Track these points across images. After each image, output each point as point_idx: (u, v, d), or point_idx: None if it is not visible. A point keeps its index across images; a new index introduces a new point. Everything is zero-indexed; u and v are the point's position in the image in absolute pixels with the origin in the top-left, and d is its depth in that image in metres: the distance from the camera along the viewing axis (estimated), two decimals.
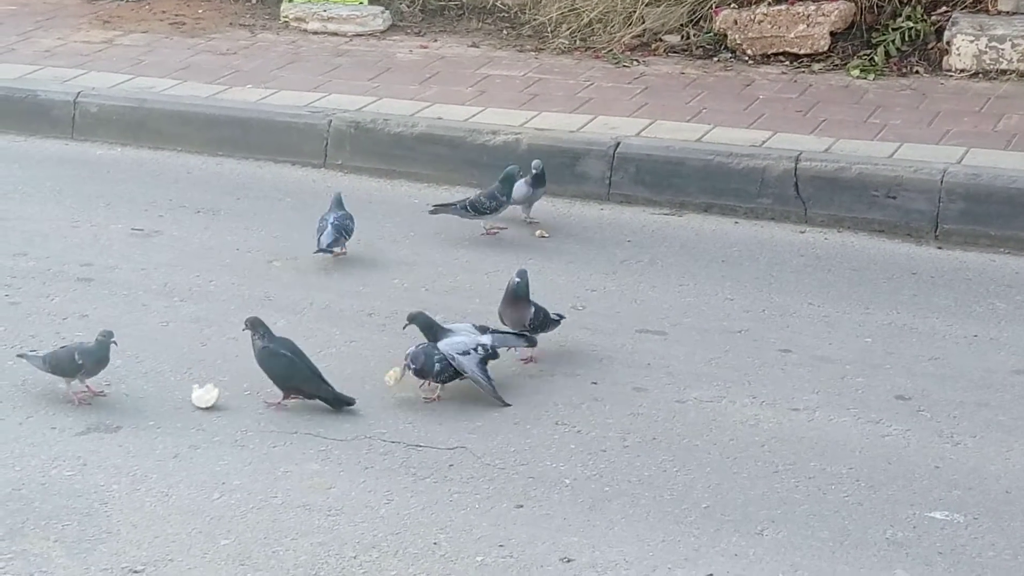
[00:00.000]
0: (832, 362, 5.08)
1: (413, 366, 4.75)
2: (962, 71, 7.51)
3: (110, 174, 6.88)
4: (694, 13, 8.01)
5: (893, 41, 7.67)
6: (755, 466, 4.41)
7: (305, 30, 8.41)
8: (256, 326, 4.76)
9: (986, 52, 7.49)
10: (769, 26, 7.78)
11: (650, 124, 6.85)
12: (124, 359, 5.02)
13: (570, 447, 4.52)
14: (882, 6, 7.79)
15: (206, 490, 4.25)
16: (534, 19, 8.27)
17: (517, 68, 7.74)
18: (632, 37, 7.99)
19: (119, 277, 5.72)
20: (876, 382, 4.94)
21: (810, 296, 5.62)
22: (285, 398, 4.71)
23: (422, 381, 4.80)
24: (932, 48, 7.67)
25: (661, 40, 8.01)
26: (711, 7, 7.94)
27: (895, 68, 7.59)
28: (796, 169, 6.39)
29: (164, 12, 8.83)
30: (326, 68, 7.74)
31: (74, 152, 7.17)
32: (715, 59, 7.83)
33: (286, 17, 8.52)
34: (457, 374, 4.78)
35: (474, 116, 6.99)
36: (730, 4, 7.90)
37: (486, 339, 4.87)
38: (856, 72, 7.55)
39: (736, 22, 7.84)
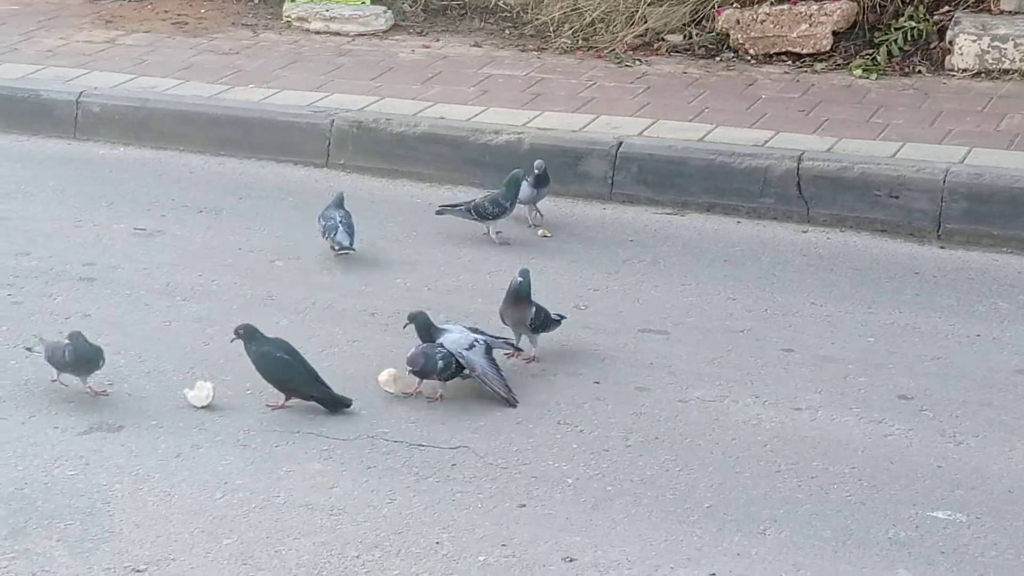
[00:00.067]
0: (835, 362, 5.08)
1: (413, 368, 4.75)
2: (964, 71, 7.51)
3: (112, 174, 6.88)
4: (696, 13, 8.00)
5: (895, 41, 7.67)
6: (757, 466, 4.41)
7: (307, 30, 8.42)
8: (247, 334, 4.74)
9: (988, 52, 7.49)
10: (771, 26, 7.78)
11: (652, 124, 6.85)
12: (127, 358, 5.02)
13: (572, 447, 4.52)
14: (884, 6, 7.79)
15: (208, 489, 4.26)
16: (536, 19, 8.27)
17: (519, 68, 7.74)
18: (634, 37, 7.99)
19: (121, 277, 5.72)
20: (879, 382, 4.94)
21: (812, 296, 5.62)
22: (287, 399, 4.71)
23: (419, 381, 4.79)
24: (934, 48, 7.67)
25: (663, 40, 8.00)
26: (713, 7, 7.94)
27: (897, 68, 7.59)
28: (798, 169, 6.39)
29: (166, 12, 8.83)
30: (328, 68, 7.74)
31: (76, 152, 7.17)
32: (717, 59, 7.82)
33: (288, 17, 8.53)
34: (459, 370, 4.78)
35: (476, 116, 6.99)
36: (732, 4, 7.89)
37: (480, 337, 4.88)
38: (858, 72, 7.55)
39: (738, 22, 7.84)
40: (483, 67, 7.75)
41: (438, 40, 8.24)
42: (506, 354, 5.02)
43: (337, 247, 5.84)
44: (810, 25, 7.75)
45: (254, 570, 3.89)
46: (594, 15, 8.08)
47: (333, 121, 6.99)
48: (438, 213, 6.14)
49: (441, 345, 4.79)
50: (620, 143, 6.64)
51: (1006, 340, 5.26)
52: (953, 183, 6.20)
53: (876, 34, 7.75)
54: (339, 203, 5.93)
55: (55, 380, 4.75)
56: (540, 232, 6.22)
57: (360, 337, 5.20)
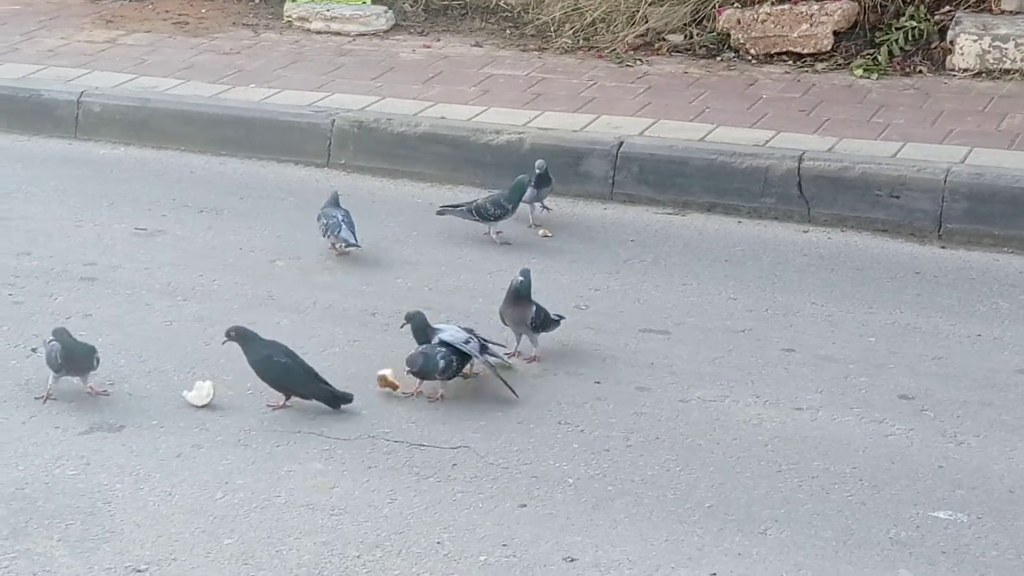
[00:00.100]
0: (835, 361, 5.08)
1: (411, 369, 4.75)
2: (965, 70, 7.50)
3: (113, 174, 6.88)
4: (697, 13, 8.01)
5: (896, 40, 7.67)
6: (758, 465, 4.41)
7: (308, 30, 8.42)
8: (239, 336, 4.73)
9: (989, 51, 7.49)
10: (772, 25, 7.78)
11: (653, 124, 6.85)
12: (128, 358, 5.03)
13: (573, 446, 4.52)
14: (885, 5, 7.79)
15: (209, 489, 4.26)
16: (537, 18, 8.27)
17: (520, 68, 7.74)
18: (635, 37, 7.99)
19: (122, 276, 5.72)
20: (879, 381, 4.94)
21: (813, 295, 5.62)
22: (287, 398, 4.71)
23: (419, 381, 4.79)
24: (935, 47, 7.67)
25: (664, 40, 8.00)
26: (714, 7, 7.94)
27: (898, 68, 7.59)
28: (799, 168, 6.39)
29: (167, 12, 8.83)
30: (329, 68, 7.74)
31: (77, 152, 7.17)
32: (718, 59, 7.82)
33: (289, 17, 8.53)
34: (460, 369, 4.77)
35: (477, 115, 6.99)
36: (733, 4, 7.90)
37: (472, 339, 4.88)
38: (859, 71, 7.55)
39: (739, 22, 7.84)
40: (484, 67, 7.75)
41: (439, 40, 8.25)
42: (506, 353, 5.02)
43: (343, 244, 5.84)
44: (811, 25, 7.75)
45: (255, 570, 3.89)
46: (595, 15, 8.08)
47: (334, 121, 6.99)
48: (439, 213, 6.14)
49: (441, 344, 4.79)
50: (621, 143, 6.64)
51: (1007, 340, 5.26)
52: (954, 183, 6.20)
53: (877, 34, 7.75)
54: (335, 202, 5.94)
55: (45, 397, 4.72)
56: (541, 232, 6.22)
57: (361, 337, 5.20)
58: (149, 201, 6.51)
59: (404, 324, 4.92)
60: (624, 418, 4.69)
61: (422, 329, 4.88)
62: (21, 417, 4.65)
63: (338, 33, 8.34)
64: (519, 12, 8.43)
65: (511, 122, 6.88)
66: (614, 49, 7.92)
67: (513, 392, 4.78)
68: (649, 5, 8.00)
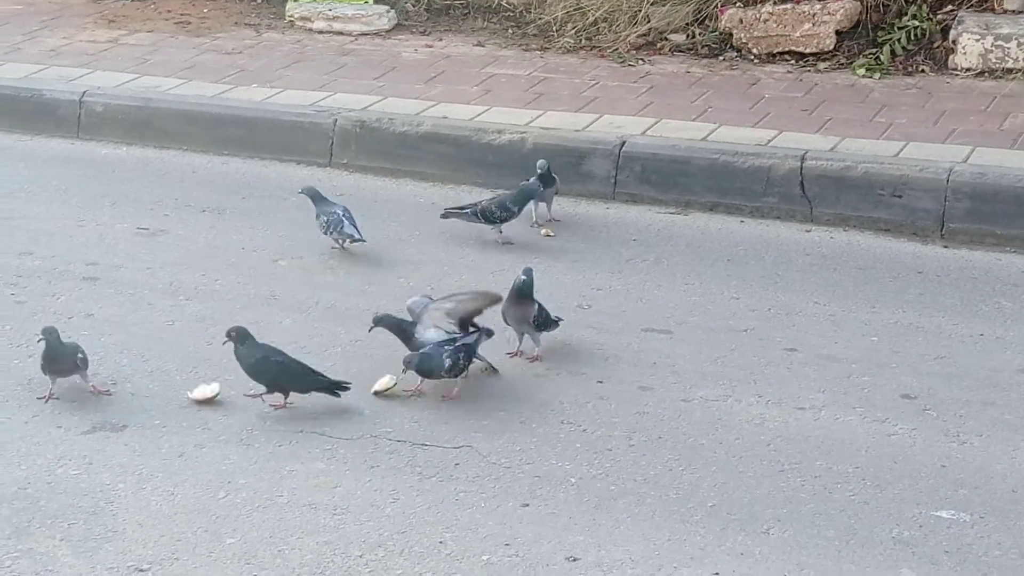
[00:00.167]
0: (838, 361, 5.08)
1: (410, 367, 4.74)
2: (968, 70, 7.50)
3: (115, 173, 6.88)
4: (699, 12, 8.00)
5: (899, 40, 7.66)
6: (761, 465, 4.41)
7: (310, 29, 8.42)
8: (240, 336, 4.72)
9: (992, 51, 7.48)
10: (775, 25, 7.78)
11: (655, 123, 6.85)
12: (130, 358, 5.03)
13: (576, 446, 4.52)
14: (888, 5, 7.79)
15: (212, 489, 4.26)
16: (539, 18, 8.27)
17: (522, 67, 7.74)
18: (637, 36, 7.99)
19: (124, 276, 5.72)
20: (882, 381, 4.94)
21: (816, 295, 5.62)
22: (287, 397, 4.70)
23: (420, 380, 4.79)
24: (938, 47, 7.66)
25: (666, 39, 8.00)
26: (717, 6, 7.94)
27: (901, 67, 7.58)
28: (802, 168, 6.38)
29: (169, 11, 8.83)
30: (331, 67, 7.74)
31: (79, 151, 7.17)
32: (720, 58, 7.82)
33: (291, 16, 8.53)
34: (468, 365, 4.77)
35: (479, 115, 6.99)
36: (736, 3, 7.89)
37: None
38: (862, 71, 7.55)
39: (741, 21, 7.84)
40: (486, 66, 7.75)
41: (441, 40, 8.24)
42: (508, 353, 5.01)
43: (350, 240, 5.84)
44: (813, 24, 7.74)
45: (257, 569, 3.89)
46: (597, 14, 8.08)
47: (336, 121, 6.99)
48: (444, 216, 6.13)
49: (448, 342, 4.78)
50: (623, 142, 6.64)
51: (1009, 339, 5.26)
52: (956, 182, 6.20)
53: (879, 33, 7.75)
54: (323, 197, 5.94)
55: (48, 397, 4.72)
56: (543, 232, 6.22)
57: (363, 337, 5.19)
58: (151, 201, 6.51)
59: (372, 328, 4.91)
60: (627, 418, 4.69)
61: (398, 327, 4.88)
62: (23, 417, 4.66)
63: (340, 33, 8.34)
64: (521, 12, 8.42)
65: (513, 122, 6.88)
66: (616, 49, 7.92)
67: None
68: (651, 5, 8.00)
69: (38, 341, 4.70)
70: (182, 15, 8.77)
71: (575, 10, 8.15)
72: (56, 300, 5.49)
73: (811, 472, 4.38)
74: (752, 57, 7.80)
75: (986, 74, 7.47)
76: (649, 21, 8.01)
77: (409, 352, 4.81)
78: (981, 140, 6.57)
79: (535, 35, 8.22)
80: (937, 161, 6.32)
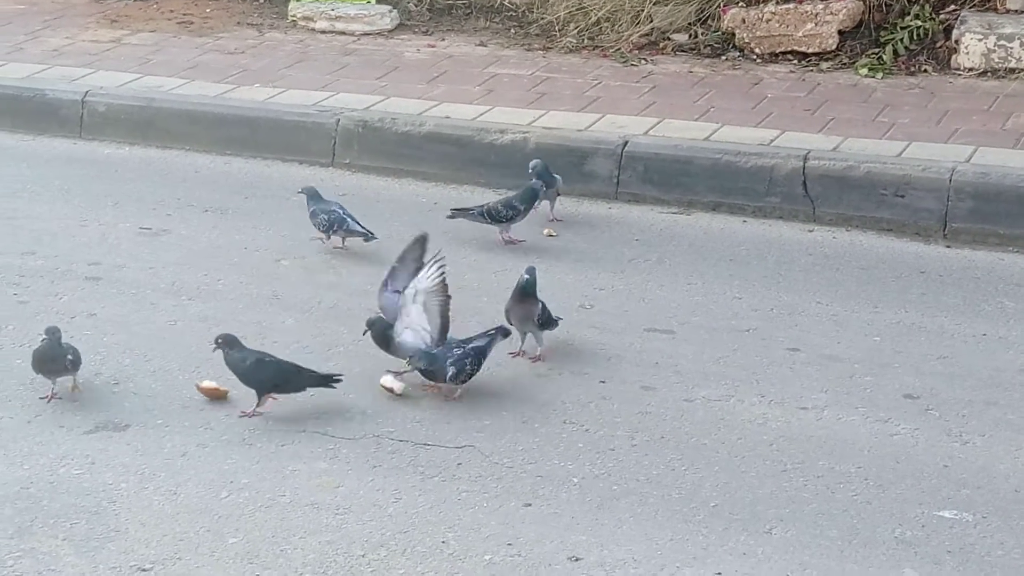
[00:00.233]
0: (840, 361, 5.07)
1: (414, 365, 4.74)
2: (970, 70, 7.50)
3: (118, 173, 6.89)
4: (702, 12, 8.00)
5: (901, 40, 7.66)
6: (763, 465, 4.41)
7: (313, 29, 8.42)
8: (227, 342, 4.70)
9: (995, 51, 7.48)
10: (777, 25, 7.78)
11: (658, 123, 6.85)
12: (132, 358, 5.03)
13: (578, 446, 4.52)
14: (890, 5, 7.79)
15: (214, 488, 4.26)
16: (542, 18, 8.27)
17: (525, 67, 7.74)
18: (640, 36, 7.99)
19: (127, 276, 5.72)
20: (885, 381, 4.94)
21: (818, 295, 5.62)
22: (265, 398, 4.66)
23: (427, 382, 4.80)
24: (940, 47, 7.66)
25: (669, 39, 8.00)
26: (719, 6, 7.94)
27: (903, 67, 7.58)
28: (804, 168, 6.38)
29: (172, 11, 8.84)
30: (334, 67, 7.75)
31: (82, 151, 7.17)
32: (723, 58, 7.82)
33: (294, 16, 8.53)
34: (475, 371, 4.75)
35: (482, 115, 6.99)
36: (738, 3, 7.89)
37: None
38: (864, 71, 7.55)
39: (744, 21, 7.84)
40: (488, 66, 7.75)
41: (443, 39, 8.25)
42: (510, 353, 5.01)
43: (364, 239, 5.85)
44: (816, 24, 7.74)
45: (260, 569, 3.89)
46: (599, 14, 8.08)
47: (339, 120, 7.00)
48: (450, 217, 6.11)
49: (457, 346, 4.77)
50: (626, 142, 6.64)
51: (1012, 339, 5.26)
52: (959, 182, 6.20)
53: (882, 33, 7.75)
54: (319, 195, 5.94)
55: (50, 397, 4.72)
56: (545, 231, 6.21)
57: (366, 336, 5.19)
58: (154, 201, 6.51)
59: (366, 331, 4.89)
60: (629, 417, 4.69)
61: (382, 335, 4.86)
62: (26, 416, 4.66)
63: (343, 32, 8.35)
64: (523, 11, 8.43)
65: (516, 121, 6.88)
66: (619, 48, 7.92)
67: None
68: (654, 4, 8.00)
69: (41, 341, 4.70)
70: (185, 15, 8.77)
71: (577, 10, 8.15)
72: (59, 300, 5.49)
73: (814, 472, 4.37)
74: (754, 57, 7.80)
75: (989, 74, 7.46)
76: (651, 21, 8.01)
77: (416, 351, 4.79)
78: (984, 140, 6.56)
79: (537, 35, 8.22)
80: (940, 161, 6.32)
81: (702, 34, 7.97)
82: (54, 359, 4.68)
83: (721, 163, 6.49)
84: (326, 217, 5.89)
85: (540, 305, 5.04)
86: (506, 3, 8.51)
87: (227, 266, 5.83)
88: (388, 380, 4.82)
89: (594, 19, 8.09)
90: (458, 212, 6.12)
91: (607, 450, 4.49)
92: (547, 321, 5.07)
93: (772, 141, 6.61)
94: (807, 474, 4.36)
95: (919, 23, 7.69)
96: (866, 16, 7.80)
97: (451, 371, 4.73)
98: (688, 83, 7.46)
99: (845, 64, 7.66)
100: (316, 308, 5.46)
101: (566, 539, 4.03)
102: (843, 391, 4.87)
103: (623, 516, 4.14)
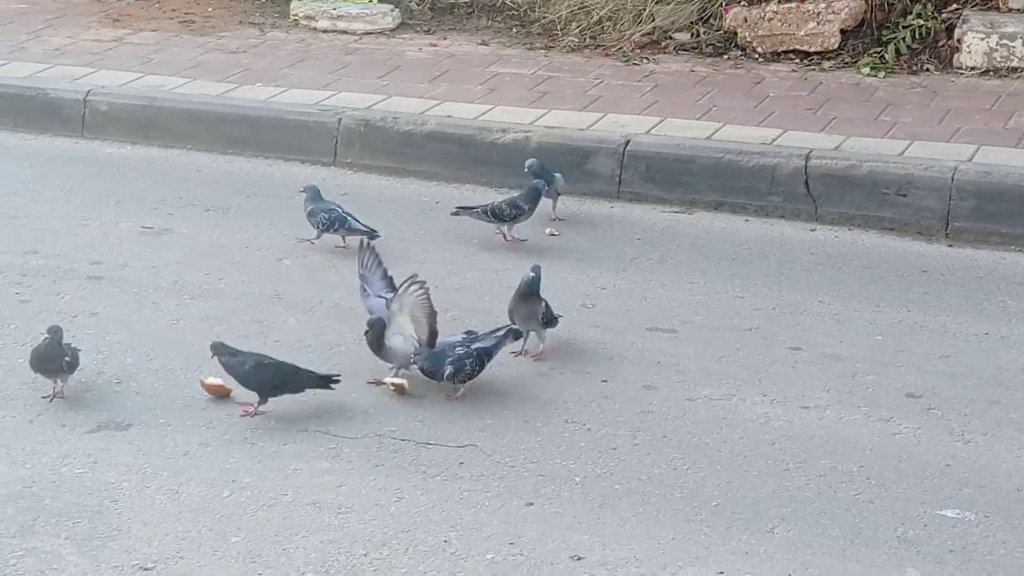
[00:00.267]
0: (842, 360, 5.07)
1: (416, 363, 4.74)
2: (973, 69, 7.50)
3: (120, 172, 6.89)
4: (704, 11, 8.00)
5: (903, 39, 7.66)
6: (765, 464, 4.41)
7: (315, 28, 8.42)
8: (218, 349, 4.68)
9: (997, 50, 7.48)
10: (779, 24, 7.78)
11: (660, 122, 6.85)
12: (134, 357, 5.03)
13: (580, 445, 4.52)
14: (892, 3, 7.79)
15: (216, 488, 4.26)
16: (544, 17, 8.27)
17: (527, 66, 7.74)
18: (642, 35, 7.99)
19: (129, 275, 5.73)
20: (887, 380, 4.93)
21: (820, 294, 5.62)
22: (262, 403, 4.65)
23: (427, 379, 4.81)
24: (943, 46, 7.66)
25: (671, 38, 8.00)
26: (721, 5, 7.93)
27: (905, 66, 7.58)
28: (806, 167, 6.38)
29: (174, 10, 8.84)
30: (336, 66, 7.75)
31: (84, 150, 7.17)
32: (725, 57, 7.82)
33: (296, 15, 8.53)
34: (474, 373, 4.75)
35: (484, 114, 6.99)
36: (740, 2, 7.89)
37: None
38: (866, 70, 7.55)
39: (746, 20, 7.83)
40: (490, 65, 7.75)
41: (445, 38, 8.24)
42: (512, 352, 5.01)
43: (368, 238, 5.83)
44: (818, 23, 7.74)
45: (262, 568, 3.89)
46: (601, 13, 8.08)
47: (340, 119, 7.00)
48: (454, 214, 6.10)
49: (460, 345, 4.77)
50: (628, 141, 6.64)
51: (1014, 338, 5.26)
52: (961, 181, 6.20)
53: (884, 32, 7.75)
54: (319, 195, 5.94)
55: (52, 396, 4.72)
56: (547, 230, 6.21)
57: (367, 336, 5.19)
58: (156, 200, 6.51)
59: (367, 331, 4.86)
60: (631, 417, 4.69)
61: (376, 341, 4.85)
62: (28, 415, 4.66)
63: (344, 32, 8.35)
64: (525, 10, 8.42)
65: (518, 121, 6.88)
66: (621, 47, 7.92)
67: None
68: (656, 3, 8.00)
69: (43, 339, 4.69)
70: (186, 14, 8.77)
71: (579, 9, 8.15)
72: (61, 299, 5.49)
73: (816, 471, 4.37)
74: (756, 56, 7.80)
75: (991, 73, 7.46)
76: (653, 20, 8.01)
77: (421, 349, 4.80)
78: (986, 139, 6.56)
79: (539, 34, 8.21)
80: (942, 160, 6.32)
81: (704, 33, 7.97)
82: (51, 359, 4.68)
83: (723, 162, 6.49)
84: (326, 216, 5.89)
85: (544, 304, 5.04)
86: (508, 2, 8.51)
87: (229, 265, 5.83)
88: (391, 378, 4.81)
89: (596, 18, 8.09)
90: (462, 210, 6.11)
91: (609, 449, 4.49)
92: (549, 319, 5.07)
93: (774, 140, 6.61)
94: (809, 473, 4.36)
95: (921, 22, 7.69)
96: (868, 15, 7.79)
97: (448, 370, 4.72)
98: (690, 82, 7.46)
99: (847, 63, 7.66)
100: (318, 307, 5.46)
101: (568, 538, 4.03)
102: (845, 390, 4.86)
103: (625, 515, 4.14)
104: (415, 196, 6.63)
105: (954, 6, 7.77)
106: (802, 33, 7.75)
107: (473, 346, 4.79)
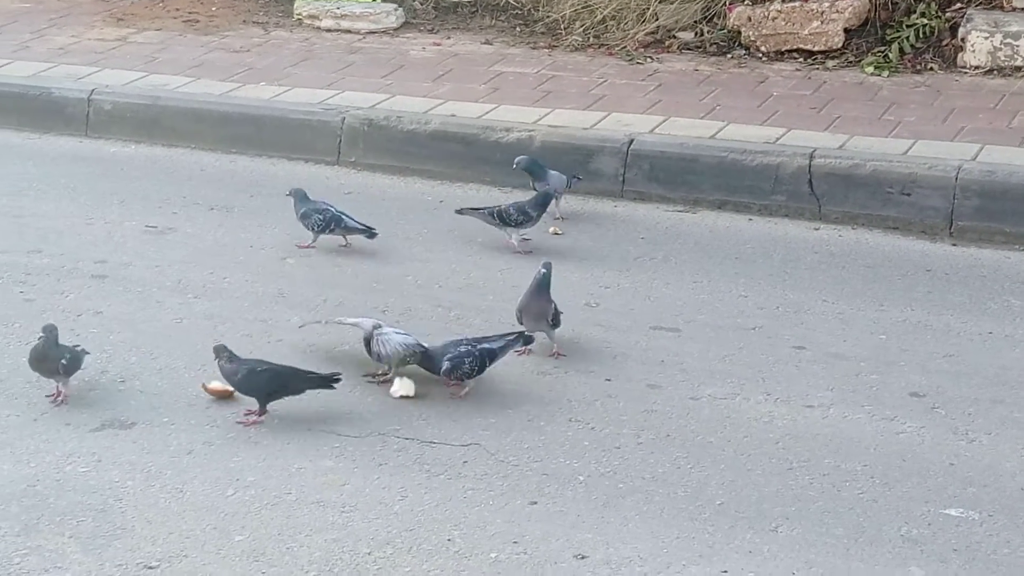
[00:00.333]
0: (846, 359, 5.07)
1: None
2: (976, 68, 7.49)
3: (124, 171, 6.89)
4: (708, 10, 8.01)
5: (907, 38, 7.66)
6: (769, 463, 4.41)
7: (318, 27, 8.42)
8: (219, 352, 4.67)
9: (1001, 49, 7.48)
10: (783, 23, 7.78)
11: (664, 121, 6.85)
12: (138, 355, 5.03)
13: (584, 444, 4.52)
14: (896, 3, 7.79)
15: (220, 486, 4.26)
16: (547, 16, 8.27)
17: (530, 65, 7.74)
18: (646, 34, 7.99)
19: (133, 274, 5.73)
20: (890, 379, 4.93)
21: (824, 293, 5.61)
22: (262, 412, 4.62)
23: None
24: (946, 45, 7.66)
25: (675, 37, 8.00)
26: (725, 4, 7.93)
27: (909, 65, 7.58)
28: (810, 166, 6.38)
29: (178, 10, 8.84)
30: (339, 65, 7.75)
31: (88, 149, 7.18)
32: (729, 56, 7.82)
33: (299, 14, 8.53)
34: (474, 372, 4.75)
35: (487, 113, 6.99)
36: (744, 1, 7.89)
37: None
38: (870, 69, 7.54)
39: (750, 19, 7.83)
40: (494, 64, 7.75)
41: (449, 38, 8.25)
42: (515, 351, 5.00)
43: (366, 235, 5.84)
44: (822, 22, 7.74)
45: (266, 567, 3.90)
46: (605, 12, 8.08)
47: (344, 119, 7.00)
48: (459, 212, 6.08)
49: (463, 343, 4.77)
50: (631, 140, 6.64)
51: (1018, 337, 5.25)
52: (965, 180, 6.19)
53: (888, 31, 7.75)
54: (306, 196, 5.93)
55: (56, 395, 4.72)
56: (551, 229, 6.21)
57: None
58: (160, 199, 6.51)
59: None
60: (635, 416, 4.69)
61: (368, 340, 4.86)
62: (32, 414, 4.66)
63: (348, 31, 8.35)
64: (529, 9, 8.43)
65: (521, 120, 6.88)
66: (624, 47, 7.92)
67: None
68: (659, 3, 8.00)
69: (39, 338, 4.69)
70: (190, 13, 8.78)
71: (583, 8, 8.15)
72: (65, 298, 5.50)
73: (819, 470, 4.37)
74: (760, 55, 7.80)
75: (995, 72, 7.46)
76: (657, 19, 8.01)
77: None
78: (990, 138, 6.56)
79: (543, 33, 8.22)
80: (946, 159, 6.32)
81: (708, 32, 7.97)
82: (47, 359, 4.66)
83: (727, 161, 6.49)
84: (321, 217, 5.87)
85: (554, 305, 5.04)
86: (512, 1, 8.51)
87: (233, 264, 5.83)
88: (398, 386, 4.80)
89: (600, 17, 8.10)
90: (467, 210, 6.08)
91: (613, 448, 4.49)
92: (557, 317, 5.07)
93: (778, 139, 6.61)
94: (813, 472, 4.36)
95: (925, 21, 7.69)
96: (872, 14, 7.79)
97: (446, 365, 4.72)
98: (694, 81, 7.46)
99: (851, 62, 7.66)
100: (322, 306, 5.46)
101: (572, 537, 4.03)
102: (849, 389, 4.86)
103: (629, 514, 4.14)
104: (419, 195, 6.63)
105: (958, 5, 7.77)
106: (806, 32, 7.75)
107: (478, 346, 4.78)
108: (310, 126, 7.04)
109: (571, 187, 6.29)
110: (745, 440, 4.54)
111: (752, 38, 7.83)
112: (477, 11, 8.59)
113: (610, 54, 7.89)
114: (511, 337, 4.87)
